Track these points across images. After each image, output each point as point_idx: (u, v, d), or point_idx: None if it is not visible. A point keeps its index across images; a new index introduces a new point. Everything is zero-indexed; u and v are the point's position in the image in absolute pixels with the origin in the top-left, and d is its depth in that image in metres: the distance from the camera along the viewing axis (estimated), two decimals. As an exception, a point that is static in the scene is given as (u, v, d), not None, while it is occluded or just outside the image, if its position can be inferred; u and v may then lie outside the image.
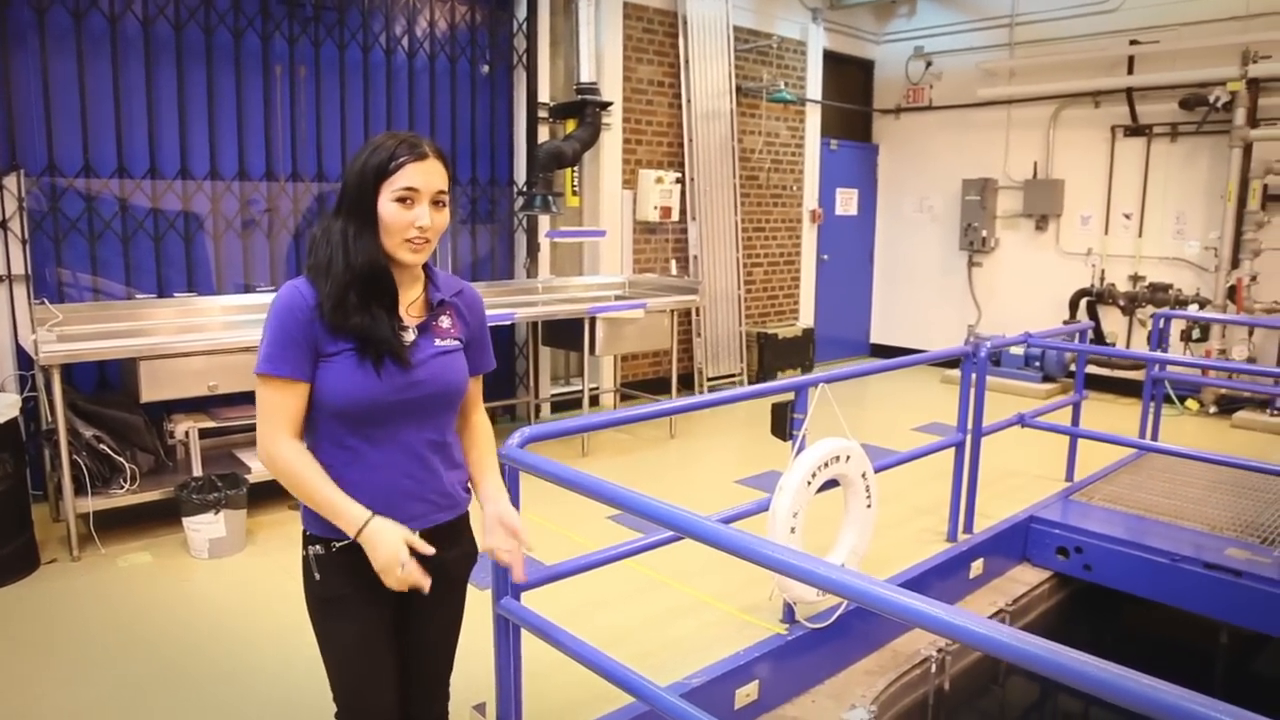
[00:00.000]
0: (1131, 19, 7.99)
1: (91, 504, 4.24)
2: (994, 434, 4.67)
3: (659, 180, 7.56)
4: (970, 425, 4.42)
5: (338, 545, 1.90)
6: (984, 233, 9.10)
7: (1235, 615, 4.06)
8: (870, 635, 3.67)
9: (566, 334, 6.32)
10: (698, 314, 7.91)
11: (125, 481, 4.39)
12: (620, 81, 7.38)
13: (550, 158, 6.47)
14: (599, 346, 6.11)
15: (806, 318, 9.46)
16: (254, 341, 4.38)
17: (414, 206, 1.82)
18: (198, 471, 4.51)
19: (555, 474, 2.18)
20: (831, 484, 3.40)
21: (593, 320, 6.02)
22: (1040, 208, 8.77)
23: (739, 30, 8.28)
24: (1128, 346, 8.32)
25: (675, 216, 7.75)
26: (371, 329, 1.82)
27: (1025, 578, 4.56)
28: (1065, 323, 8.45)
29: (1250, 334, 7.42)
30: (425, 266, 1.97)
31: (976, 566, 4.36)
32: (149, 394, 4.32)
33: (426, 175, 1.83)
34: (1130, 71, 8.08)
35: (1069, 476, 5.37)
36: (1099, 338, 8.26)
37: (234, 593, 3.89)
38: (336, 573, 1.91)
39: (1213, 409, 7.52)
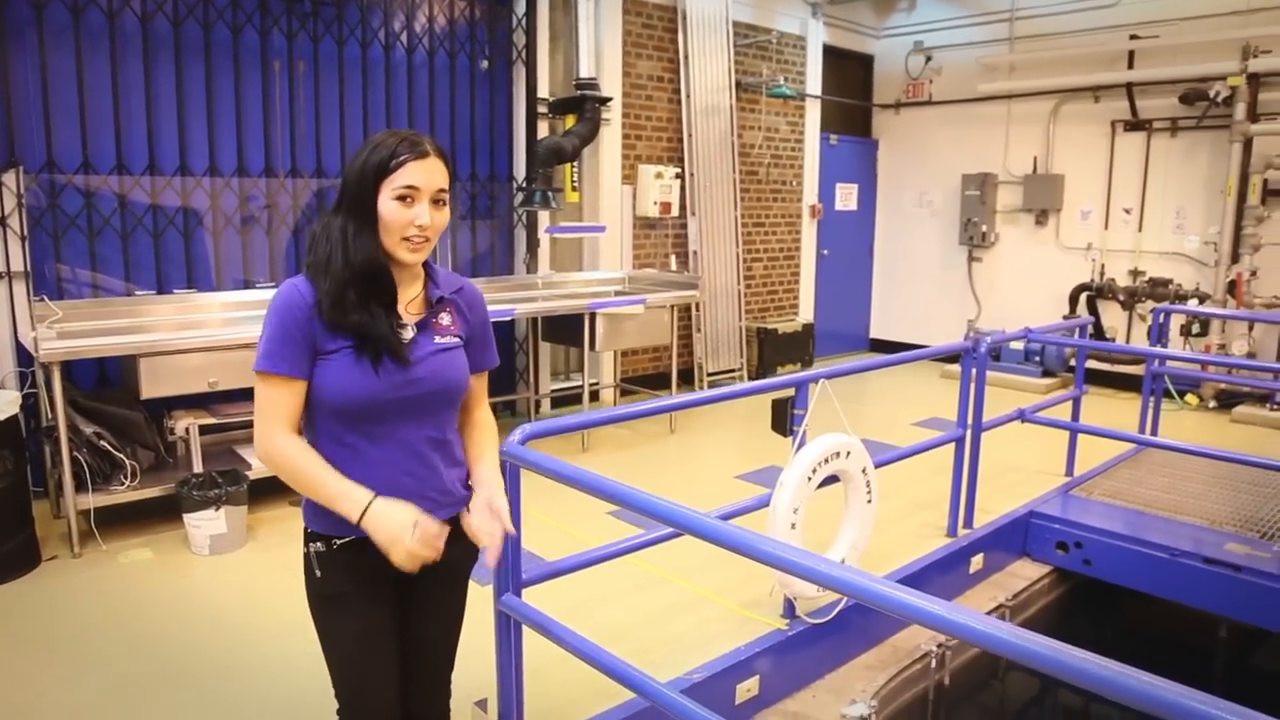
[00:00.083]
0: (1131, 13, 7.98)
1: (92, 500, 4.24)
2: (994, 429, 4.67)
3: (659, 175, 7.55)
4: (970, 420, 4.42)
5: (339, 542, 1.90)
6: (984, 228, 9.10)
7: (1235, 610, 4.07)
8: (870, 630, 3.68)
9: (566, 329, 6.32)
10: (697, 309, 7.91)
11: (126, 478, 4.39)
12: (620, 77, 7.37)
13: (550, 153, 6.47)
14: (599, 342, 6.11)
15: (806, 313, 9.46)
16: (253, 338, 4.37)
17: (414, 205, 1.82)
18: (198, 468, 4.52)
19: (556, 471, 2.18)
20: (832, 479, 3.41)
21: (593, 316, 6.02)
22: (1040, 203, 8.77)
23: (738, 25, 8.26)
24: (1127, 341, 8.33)
25: (675, 212, 7.75)
26: (370, 326, 1.82)
27: (1025, 573, 4.56)
28: (1065, 318, 8.46)
29: (1250, 329, 7.42)
30: (426, 264, 1.97)
31: (976, 561, 4.36)
32: (149, 390, 4.32)
33: (427, 174, 1.82)
34: (1130, 66, 8.07)
35: (1069, 471, 5.37)
36: (1099, 333, 8.26)
37: (235, 589, 3.90)
38: (338, 570, 1.91)
39: (1212, 404, 7.52)
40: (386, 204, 1.81)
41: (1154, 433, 5.87)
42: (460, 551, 2.05)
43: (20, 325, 4.68)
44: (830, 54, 9.36)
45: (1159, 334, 6.13)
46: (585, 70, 6.77)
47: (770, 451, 5.51)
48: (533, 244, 6.93)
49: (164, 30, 5.13)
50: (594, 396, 6.92)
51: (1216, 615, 4.24)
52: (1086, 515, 4.61)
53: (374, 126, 6.02)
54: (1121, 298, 8.23)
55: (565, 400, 7.27)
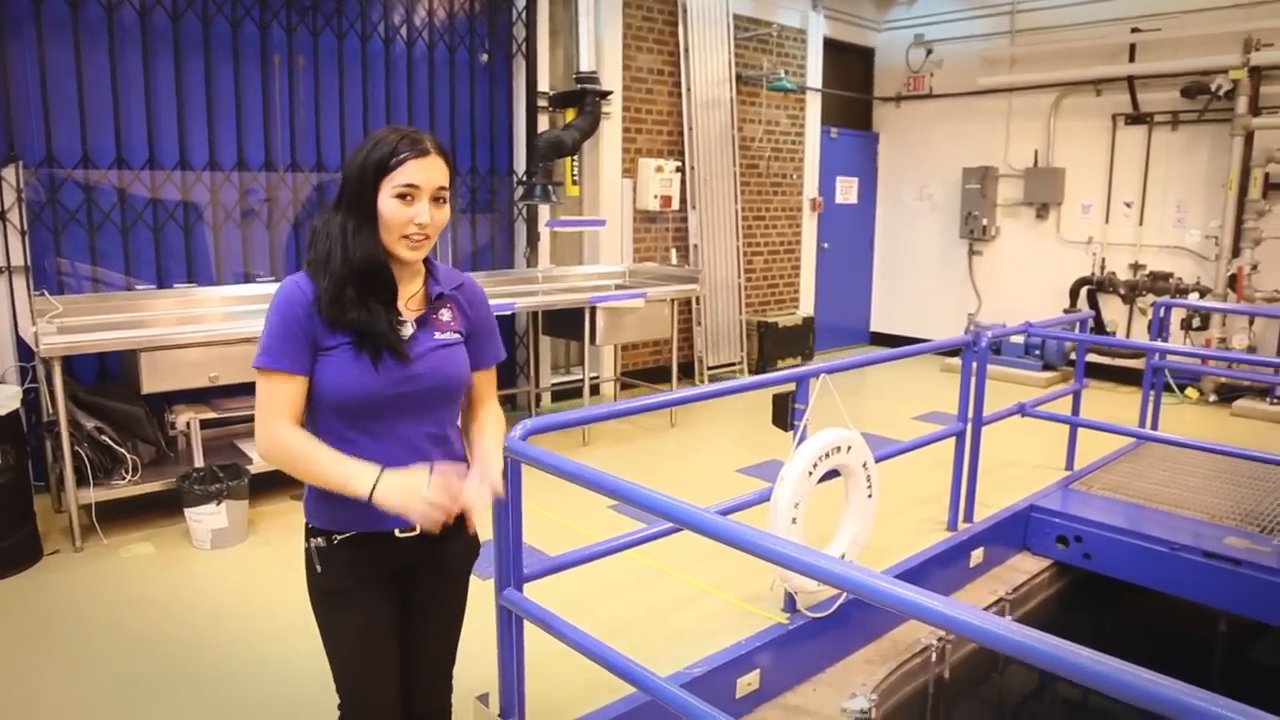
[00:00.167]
0: (1133, 6, 7.96)
1: (93, 495, 4.25)
2: (994, 423, 4.67)
3: (659, 169, 7.54)
4: (971, 415, 4.42)
5: (339, 538, 1.91)
6: (984, 221, 9.09)
7: (1234, 604, 4.07)
8: (871, 624, 3.68)
9: (567, 323, 6.32)
10: (698, 303, 7.91)
11: (127, 472, 4.40)
12: (620, 70, 7.35)
13: (550, 147, 6.46)
14: (599, 336, 6.11)
15: (806, 306, 9.46)
16: (254, 332, 4.37)
17: (414, 203, 1.82)
18: (199, 462, 4.52)
19: (558, 467, 2.18)
20: (833, 474, 3.41)
21: (593, 310, 6.01)
22: (1041, 196, 8.76)
23: (739, 18, 8.24)
24: (1128, 335, 8.33)
25: (675, 205, 7.74)
26: (369, 323, 1.82)
27: (1025, 566, 4.57)
28: (1066, 311, 8.45)
29: (1250, 323, 7.42)
30: (426, 260, 1.97)
31: (977, 555, 4.37)
32: (150, 385, 4.32)
33: (427, 172, 1.82)
34: (1132, 59, 8.05)
35: (1069, 465, 5.38)
36: (1099, 326, 8.26)
37: (236, 583, 3.91)
38: (338, 565, 1.92)
39: (1213, 397, 7.53)
40: (386, 202, 1.81)
41: (1154, 427, 5.88)
42: (460, 548, 2.06)
43: (21, 320, 4.68)
44: (831, 47, 9.33)
45: (1159, 328, 6.13)
46: (585, 64, 6.76)
47: (771, 445, 5.51)
48: (533, 238, 6.92)
49: (163, 24, 5.12)
50: (594, 390, 6.93)
51: (1216, 609, 4.24)
52: (1087, 509, 4.61)
53: (374, 120, 6.01)
54: (1122, 291, 8.22)
55: (565, 394, 7.27)
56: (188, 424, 4.65)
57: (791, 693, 3.34)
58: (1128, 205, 8.31)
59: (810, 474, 3.23)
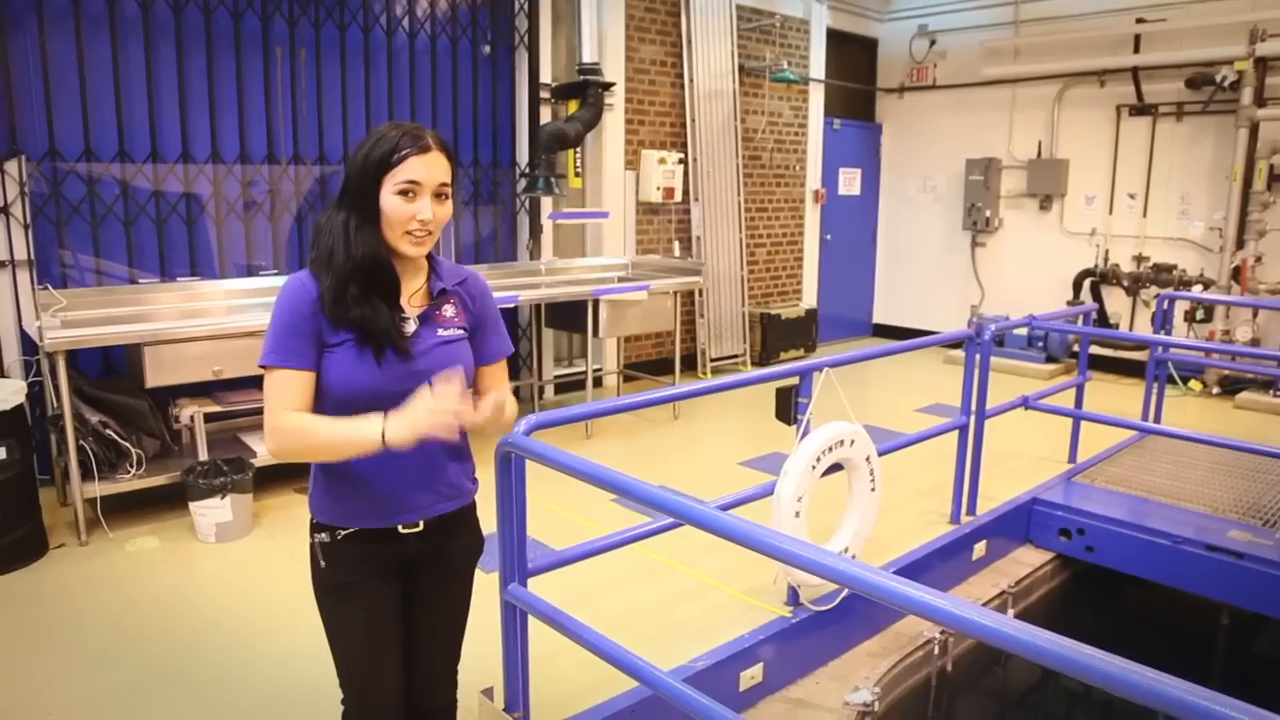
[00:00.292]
0: (1138, -4, 7.93)
1: (98, 489, 4.26)
2: (997, 416, 4.67)
3: (662, 161, 7.53)
4: (974, 408, 4.42)
5: (343, 533, 1.91)
6: (988, 213, 9.07)
7: (1237, 597, 4.07)
8: (873, 617, 3.69)
9: (570, 316, 6.32)
10: (700, 295, 7.91)
11: (131, 466, 4.41)
12: (622, 61, 7.33)
13: (552, 139, 6.44)
14: (602, 329, 6.11)
15: (809, 298, 9.45)
16: (258, 326, 4.41)
17: (416, 199, 1.82)
18: (203, 456, 4.53)
19: (561, 462, 2.18)
20: (836, 467, 3.42)
21: (596, 302, 6.01)
22: (1044, 188, 8.73)
23: (741, 9, 8.21)
24: (1131, 326, 8.31)
25: (678, 197, 7.73)
26: (372, 320, 1.82)
27: (1028, 559, 4.57)
28: (1069, 303, 8.44)
29: (1254, 315, 7.41)
30: (429, 256, 1.97)
31: (979, 548, 4.38)
32: (154, 379, 4.33)
33: (429, 168, 1.82)
34: (1136, 50, 8.01)
35: (1072, 458, 5.38)
36: (1102, 318, 8.24)
37: (241, 576, 3.92)
38: (342, 561, 1.93)
39: (1216, 390, 7.52)
40: (388, 198, 1.81)
41: (1157, 419, 5.87)
42: (464, 545, 2.06)
43: (25, 314, 4.69)
44: (834, 38, 9.30)
45: (1163, 320, 6.12)
46: (588, 55, 6.74)
47: (773, 437, 5.52)
48: (536, 230, 6.91)
49: (164, 16, 5.11)
50: (597, 382, 6.93)
51: (1218, 602, 4.25)
52: (1089, 502, 4.61)
53: (376, 112, 6.00)
54: (1126, 283, 8.20)
55: (568, 386, 7.28)
56: (192, 418, 4.66)
57: (795, 686, 3.35)
58: (1131, 197, 8.29)
59: (813, 468, 3.23)
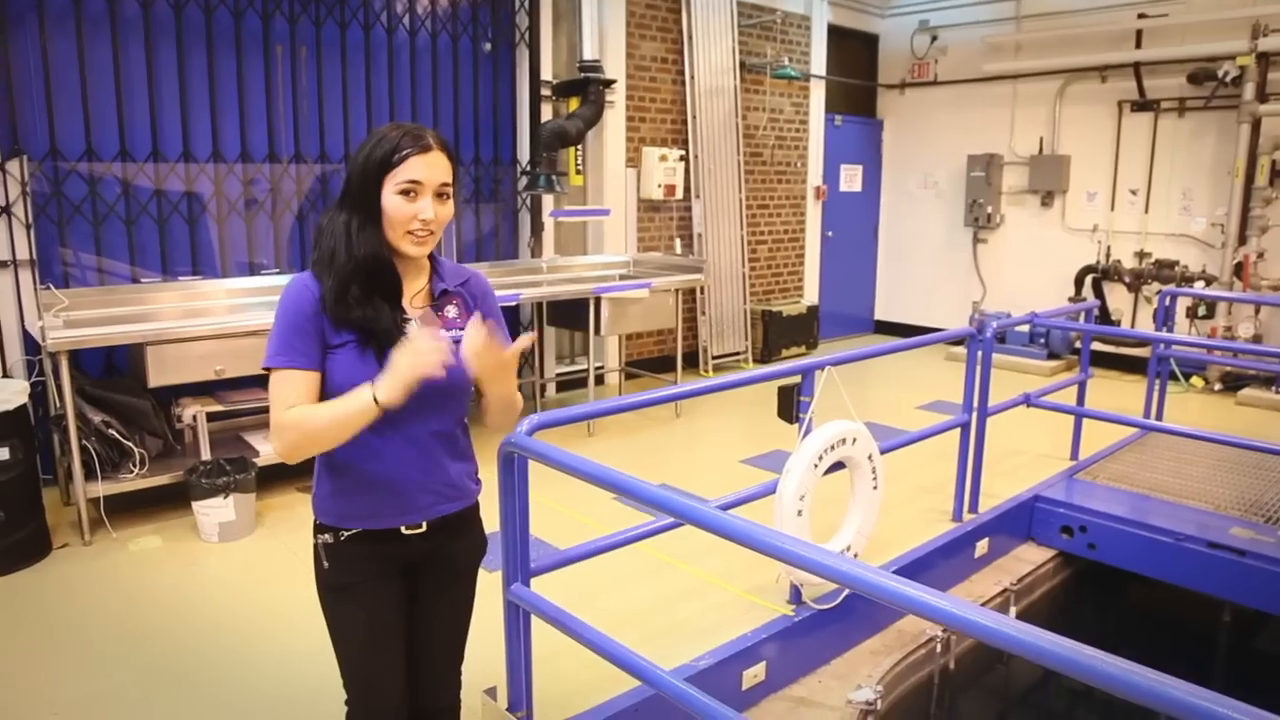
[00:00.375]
0: (1140, -9, 7.91)
1: (101, 488, 4.26)
2: (999, 413, 4.67)
3: (663, 158, 7.53)
4: (976, 405, 4.42)
5: (346, 534, 1.92)
6: (989, 209, 9.05)
7: (1238, 594, 4.07)
8: (876, 616, 3.69)
9: (571, 314, 6.32)
10: (702, 292, 7.90)
11: (134, 466, 4.41)
12: (623, 58, 7.32)
13: (554, 136, 6.44)
14: (604, 326, 6.11)
15: (811, 295, 9.44)
16: (260, 325, 4.42)
17: (417, 199, 1.82)
18: (206, 455, 4.54)
19: (564, 463, 2.19)
20: (838, 466, 3.42)
21: (598, 300, 6.01)
22: (1046, 184, 8.72)
23: (742, 5, 8.20)
24: (1133, 323, 8.31)
25: (679, 194, 7.72)
26: (374, 321, 1.82)
27: (1030, 557, 4.58)
28: (1071, 299, 8.43)
29: (1256, 311, 7.39)
30: (431, 256, 1.97)
31: (982, 546, 4.38)
32: (156, 379, 4.33)
33: (430, 168, 1.82)
34: (1138, 46, 8.00)
35: (1074, 455, 5.37)
36: (1104, 315, 8.23)
37: (244, 576, 3.93)
38: (346, 561, 1.93)
39: (1218, 386, 7.51)
40: (390, 198, 1.81)
41: (1159, 416, 5.87)
42: (467, 546, 2.07)
43: (27, 314, 4.69)
44: (835, 34, 9.28)
45: (1165, 316, 6.11)
46: (588, 52, 6.73)
47: (775, 435, 5.52)
48: (537, 228, 6.91)
49: (165, 15, 5.11)
50: (599, 380, 6.93)
51: (1220, 599, 4.24)
52: (1091, 499, 4.61)
53: (376, 110, 6.00)
54: (1127, 280, 8.20)
55: (570, 384, 7.28)
56: (194, 417, 4.67)
57: (797, 684, 3.35)
58: (1133, 193, 8.28)
59: (816, 467, 3.24)
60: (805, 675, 3.40)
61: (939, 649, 3.70)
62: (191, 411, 4.70)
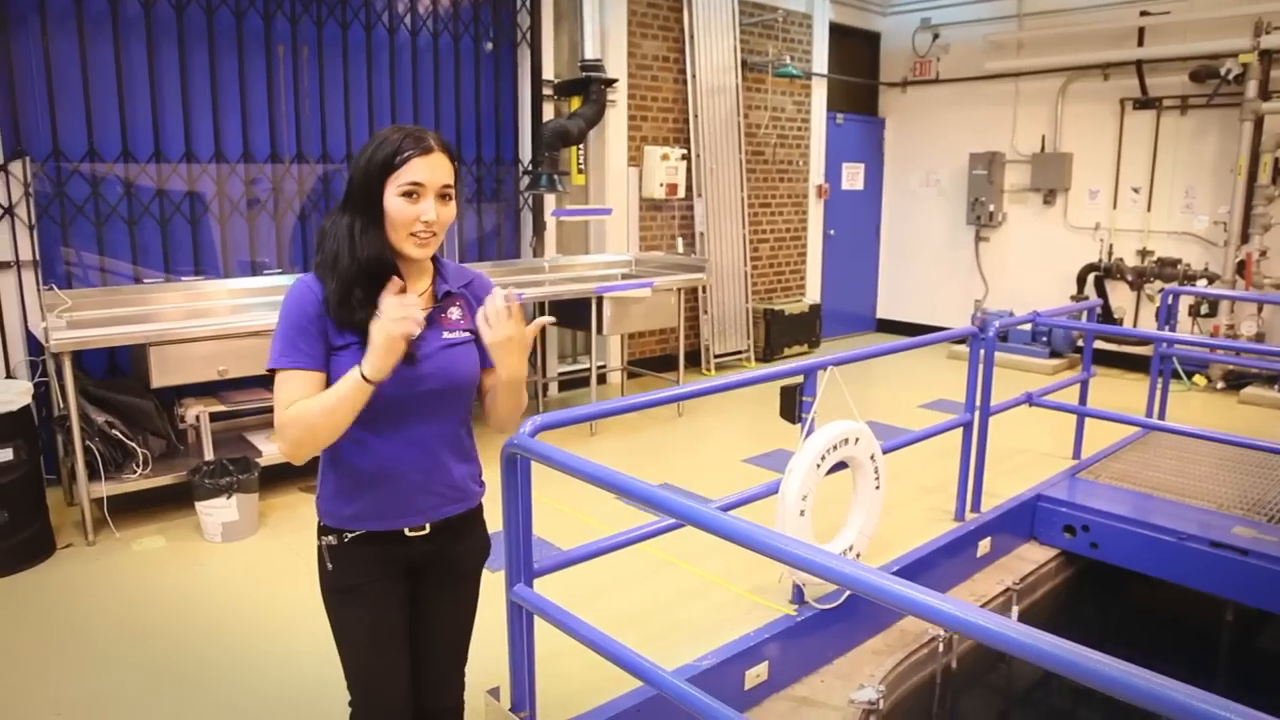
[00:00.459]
0: (1142, -11, 7.90)
1: (105, 489, 4.27)
2: (1001, 412, 4.67)
3: (664, 157, 7.52)
4: (978, 404, 4.42)
5: (350, 536, 1.92)
6: (991, 207, 9.05)
7: (1241, 593, 4.07)
8: (878, 616, 3.70)
9: (573, 313, 6.31)
10: (704, 291, 7.90)
11: (138, 466, 4.42)
12: (625, 57, 7.32)
13: (555, 136, 6.44)
14: (606, 326, 6.11)
15: (813, 294, 9.44)
16: (263, 325, 4.42)
17: (419, 201, 1.82)
18: (209, 455, 4.54)
19: (566, 464, 2.19)
20: (840, 465, 3.42)
21: (600, 299, 6.01)
22: (1048, 182, 8.72)
23: (744, 3, 8.19)
24: (1136, 321, 8.30)
25: (681, 193, 7.72)
26: None
27: (1032, 556, 4.57)
28: (1073, 298, 8.43)
29: (1259, 309, 7.38)
30: (434, 258, 1.97)
31: (984, 545, 4.38)
32: (159, 379, 4.34)
33: (432, 170, 1.82)
34: (1140, 43, 7.99)
35: (1076, 454, 5.37)
36: (1107, 314, 8.23)
37: (247, 576, 3.94)
38: (349, 563, 1.94)
39: (1220, 385, 7.50)
40: (392, 200, 1.81)
41: (1162, 415, 5.86)
42: (470, 548, 2.07)
43: (30, 315, 4.70)
44: (836, 32, 9.28)
45: (1167, 315, 6.10)
46: (590, 51, 6.73)
47: (777, 434, 5.53)
48: (539, 227, 6.92)
49: (166, 15, 5.11)
50: (601, 379, 6.94)
51: (1223, 599, 4.24)
52: (1094, 498, 4.61)
53: (378, 110, 6.01)
54: (1130, 278, 8.19)
55: (572, 383, 7.28)
56: (197, 417, 4.67)
57: (800, 684, 3.36)
58: (1136, 191, 8.27)
59: (818, 467, 3.24)
60: (808, 675, 3.41)
61: (941, 648, 3.71)
62: (194, 412, 4.70)
